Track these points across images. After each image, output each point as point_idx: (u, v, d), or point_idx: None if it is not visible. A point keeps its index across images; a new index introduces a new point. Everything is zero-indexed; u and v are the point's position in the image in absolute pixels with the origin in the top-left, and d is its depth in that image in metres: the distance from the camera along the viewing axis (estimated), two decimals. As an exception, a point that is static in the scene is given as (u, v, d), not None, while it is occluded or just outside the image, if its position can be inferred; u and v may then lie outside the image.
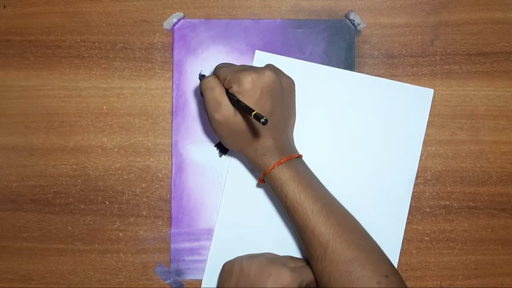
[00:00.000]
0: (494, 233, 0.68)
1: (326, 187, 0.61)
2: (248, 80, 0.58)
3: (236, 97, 0.58)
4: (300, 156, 0.62)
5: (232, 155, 0.68)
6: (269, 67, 0.62)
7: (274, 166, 0.59)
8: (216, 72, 0.61)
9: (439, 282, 0.67)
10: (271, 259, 0.61)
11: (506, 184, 0.68)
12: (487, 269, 0.67)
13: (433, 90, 0.68)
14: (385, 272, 0.56)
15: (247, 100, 0.57)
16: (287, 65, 0.67)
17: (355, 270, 0.55)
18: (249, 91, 0.57)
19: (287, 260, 0.62)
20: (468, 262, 0.67)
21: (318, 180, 0.62)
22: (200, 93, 0.63)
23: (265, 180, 0.62)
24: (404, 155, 0.67)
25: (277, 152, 0.60)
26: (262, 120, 0.52)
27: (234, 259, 0.63)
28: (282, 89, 0.60)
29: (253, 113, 0.53)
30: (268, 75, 0.59)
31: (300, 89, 0.65)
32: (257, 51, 0.68)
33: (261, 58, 0.68)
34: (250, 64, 0.68)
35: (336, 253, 0.56)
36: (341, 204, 0.61)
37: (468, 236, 0.68)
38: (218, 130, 0.61)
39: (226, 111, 0.59)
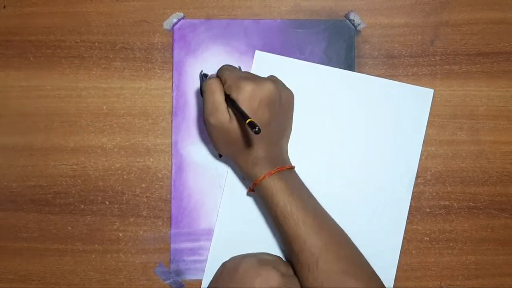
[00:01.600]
0: (494, 233, 0.68)
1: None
2: (247, 90, 0.57)
3: (236, 104, 0.57)
4: (292, 168, 0.62)
5: (232, 155, 0.68)
6: (271, 78, 0.62)
7: (264, 176, 0.59)
8: (219, 73, 0.61)
9: (439, 282, 0.67)
10: (263, 260, 0.61)
11: (506, 184, 0.68)
12: (487, 269, 0.67)
13: (433, 90, 0.68)
14: (377, 286, 0.57)
15: (244, 108, 0.57)
16: (287, 65, 0.67)
17: (347, 281, 0.56)
18: (247, 100, 0.57)
19: (281, 264, 0.62)
20: (468, 262, 0.67)
21: (309, 192, 0.62)
22: (200, 93, 0.63)
23: (255, 189, 0.62)
24: (404, 155, 0.67)
25: (268, 163, 0.60)
26: (256, 129, 0.51)
27: (230, 258, 0.64)
28: (281, 101, 0.60)
29: (248, 120, 0.53)
30: (268, 87, 0.58)
31: (300, 89, 0.65)
32: (257, 51, 0.68)
33: (261, 58, 0.68)
34: (251, 64, 0.68)
35: (328, 264, 0.56)
36: (330, 216, 0.61)
37: (468, 236, 0.68)
38: (212, 134, 0.61)
39: (221, 117, 0.58)
